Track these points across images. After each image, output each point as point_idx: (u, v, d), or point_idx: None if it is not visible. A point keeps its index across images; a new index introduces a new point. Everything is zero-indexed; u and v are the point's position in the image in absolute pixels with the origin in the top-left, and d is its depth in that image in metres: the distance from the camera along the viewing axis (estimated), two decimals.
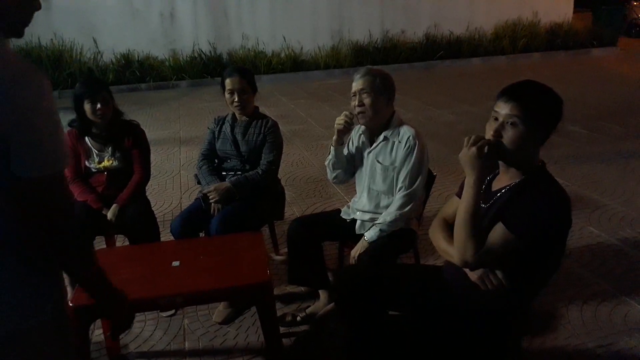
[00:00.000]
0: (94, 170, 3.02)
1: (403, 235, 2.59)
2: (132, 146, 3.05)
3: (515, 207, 1.68)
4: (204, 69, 10.54)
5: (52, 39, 10.06)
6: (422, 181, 2.58)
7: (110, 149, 3.03)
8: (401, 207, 2.52)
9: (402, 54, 11.72)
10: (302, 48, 11.35)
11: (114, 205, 2.89)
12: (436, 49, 11.97)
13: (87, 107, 2.86)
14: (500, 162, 1.80)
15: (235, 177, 2.94)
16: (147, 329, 2.70)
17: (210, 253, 2.26)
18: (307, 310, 2.75)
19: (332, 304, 2.70)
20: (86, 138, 3.02)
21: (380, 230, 2.51)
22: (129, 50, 10.43)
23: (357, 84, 2.53)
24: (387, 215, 2.53)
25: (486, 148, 1.67)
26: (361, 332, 2.13)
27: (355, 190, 2.81)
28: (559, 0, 13.51)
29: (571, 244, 3.42)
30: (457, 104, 7.97)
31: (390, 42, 11.95)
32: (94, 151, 3.02)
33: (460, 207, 1.76)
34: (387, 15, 12.19)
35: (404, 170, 2.53)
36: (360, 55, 11.40)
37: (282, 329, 2.65)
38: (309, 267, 2.73)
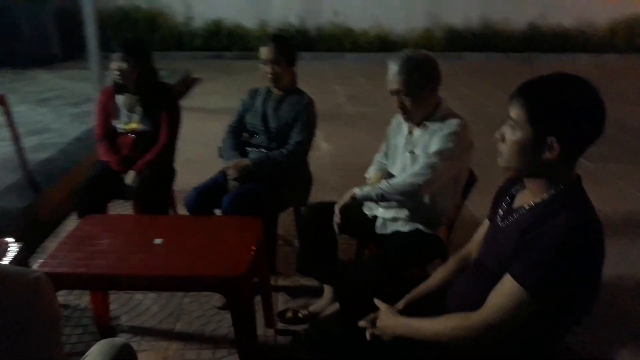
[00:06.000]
0: (120, 131, 2.94)
1: (427, 242, 2.26)
2: (161, 110, 2.93)
3: (527, 248, 1.32)
4: None
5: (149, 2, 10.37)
6: (458, 181, 2.22)
7: (140, 111, 2.93)
8: (413, 175, 2.09)
9: (501, 42, 10.91)
10: (392, 28, 10.87)
11: (130, 171, 2.80)
12: (540, 41, 11.01)
13: (111, 64, 2.79)
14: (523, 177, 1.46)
15: (257, 155, 2.73)
16: (145, 302, 2.60)
17: (198, 234, 2.06)
18: (310, 309, 2.51)
19: (336, 304, 2.44)
20: (117, 97, 2.95)
21: (376, 193, 2.13)
22: (219, 17, 10.50)
23: (392, 83, 2.12)
24: (394, 179, 2.17)
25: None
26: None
27: None
28: None
29: (633, 273, 2.89)
30: None
31: (490, 29, 11.15)
32: (124, 111, 2.94)
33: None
34: None
35: (434, 147, 2.10)
36: (455, 41, 10.74)
37: (280, 326, 2.45)
38: (319, 258, 2.47)
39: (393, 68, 2.11)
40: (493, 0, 11.29)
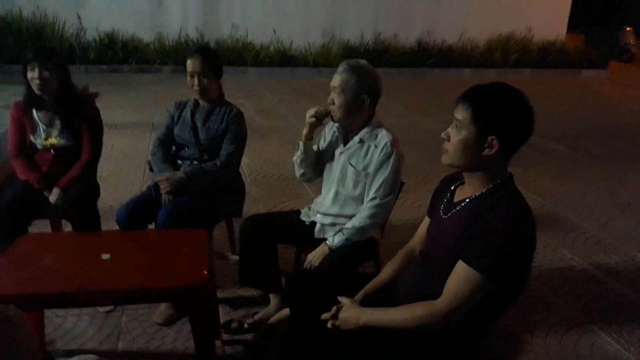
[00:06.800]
0: (39, 147, 2.79)
1: (364, 244, 2.41)
2: (83, 123, 2.82)
3: (475, 236, 1.50)
4: None
5: (34, 11, 9.71)
6: (396, 192, 2.40)
7: (58, 125, 2.79)
8: (373, 216, 2.33)
9: (392, 58, 11.56)
10: (291, 43, 11.12)
11: (55, 189, 2.67)
12: (427, 56, 11.82)
13: (28, 74, 2.66)
14: (464, 172, 1.65)
15: (190, 168, 2.73)
16: (80, 325, 2.48)
17: (146, 248, 2.04)
18: (256, 317, 2.55)
19: (284, 310, 2.50)
20: (33, 111, 2.80)
21: (346, 238, 2.33)
22: (113, 30, 10.09)
23: (334, 79, 2.31)
24: (356, 221, 2.34)
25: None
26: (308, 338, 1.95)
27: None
28: (553, 18, 13.44)
29: (542, 266, 3.27)
30: (442, 113, 7.81)
31: (381, 45, 11.78)
32: (41, 126, 2.79)
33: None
34: (381, 17, 12.00)
35: (379, 179, 2.32)
36: (351, 56, 11.18)
37: (225, 337, 2.46)
38: (261, 269, 2.52)
39: (340, 68, 2.30)
40: (384, 17, 12.01)
